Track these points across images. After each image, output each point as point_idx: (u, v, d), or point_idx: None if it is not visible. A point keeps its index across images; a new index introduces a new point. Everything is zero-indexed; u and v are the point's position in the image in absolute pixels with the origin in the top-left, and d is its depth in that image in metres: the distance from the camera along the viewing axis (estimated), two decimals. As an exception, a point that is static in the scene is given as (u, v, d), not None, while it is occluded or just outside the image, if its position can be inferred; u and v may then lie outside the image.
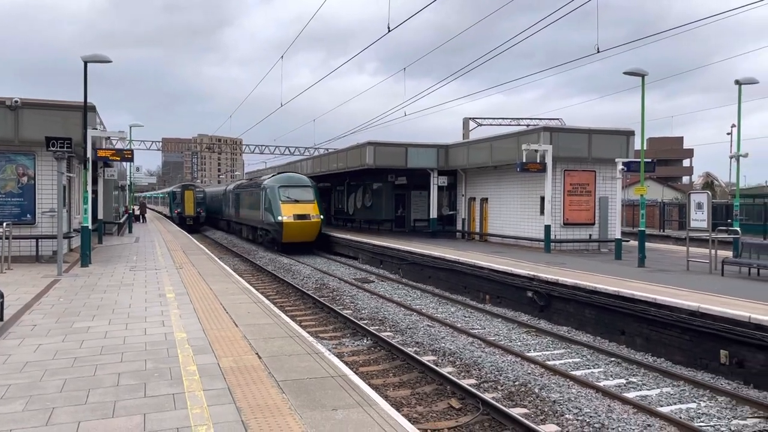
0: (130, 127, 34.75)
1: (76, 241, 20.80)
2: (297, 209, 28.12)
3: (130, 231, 33.78)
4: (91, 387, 6.48)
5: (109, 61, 16.76)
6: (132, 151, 21.73)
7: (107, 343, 8.34)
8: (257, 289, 15.21)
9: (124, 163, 36.37)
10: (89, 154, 17.55)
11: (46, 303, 11.36)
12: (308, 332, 10.39)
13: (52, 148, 15.31)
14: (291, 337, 8.85)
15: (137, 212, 46.58)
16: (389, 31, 17.34)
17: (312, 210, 28.56)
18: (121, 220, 36.35)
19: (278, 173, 32.42)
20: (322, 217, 28.88)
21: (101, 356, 7.70)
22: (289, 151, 58.06)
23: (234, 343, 8.46)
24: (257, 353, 7.91)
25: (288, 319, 10.27)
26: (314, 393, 6.36)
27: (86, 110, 16.95)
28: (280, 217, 27.84)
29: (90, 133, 17.32)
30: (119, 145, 25.58)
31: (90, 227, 17.72)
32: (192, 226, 45.37)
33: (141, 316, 10.25)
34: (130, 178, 44.39)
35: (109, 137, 22.96)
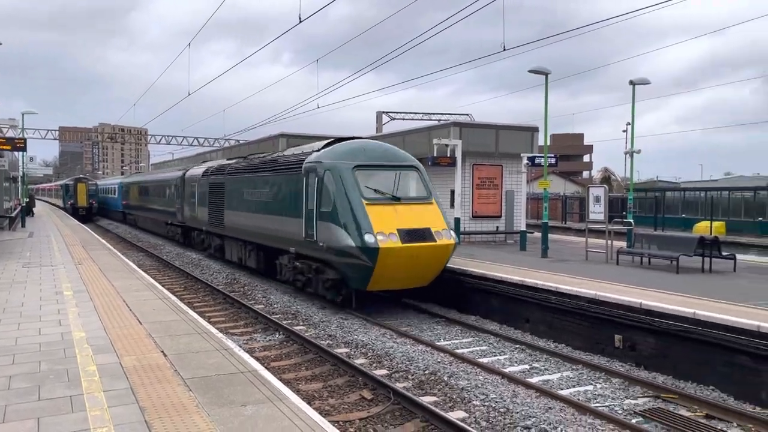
0: (23, 115, 32.61)
1: (-39, 237, 19.28)
2: (404, 218, 13.19)
3: (23, 225, 31.67)
4: (-22, 392, 6.04)
5: (-2, 43, 15.62)
6: (24, 139, 20.40)
7: (-4, 345, 7.80)
8: (164, 286, 14.66)
9: (16, 153, 34.12)
10: (-25, 143, 16.29)
11: (-75, 304, 10.46)
12: (217, 328, 10.17)
13: (-69, 136, 14.10)
14: (199, 334, 8.62)
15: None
16: (300, 21, 17.16)
17: (433, 219, 13.58)
18: (13, 214, 34.07)
19: (335, 140, 15.29)
20: (453, 234, 13.69)
21: (-11, 359, 7.19)
22: (198, 141, 56.36)
23: (138, 341, 8.12)
24: (162, 351, 7.64)
25: (196, 316, 10.00)
26: (222, 390, 6.23)
27: (-29, 95, 15.71)
28: (369, 237, 12.50)
29: (-24, 119, 16.08)
30: (10, 134, 23.87)
31: (-23, 221, 16.50)
32: (84, 216, 49.62)
33: (35, 315, 9.64)
34: (23, 168, 41.65)
35: (-2, 125, 21.42)
